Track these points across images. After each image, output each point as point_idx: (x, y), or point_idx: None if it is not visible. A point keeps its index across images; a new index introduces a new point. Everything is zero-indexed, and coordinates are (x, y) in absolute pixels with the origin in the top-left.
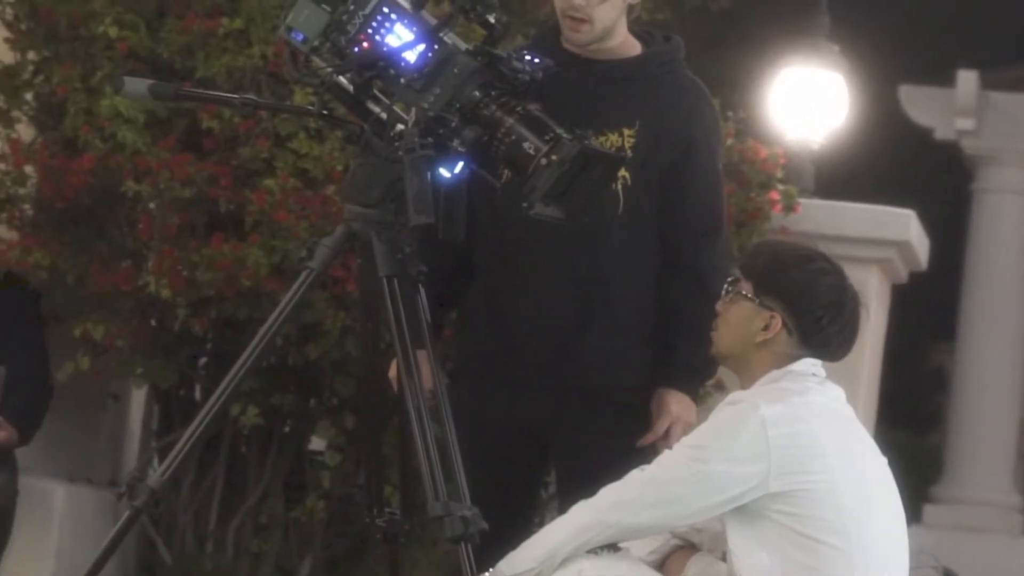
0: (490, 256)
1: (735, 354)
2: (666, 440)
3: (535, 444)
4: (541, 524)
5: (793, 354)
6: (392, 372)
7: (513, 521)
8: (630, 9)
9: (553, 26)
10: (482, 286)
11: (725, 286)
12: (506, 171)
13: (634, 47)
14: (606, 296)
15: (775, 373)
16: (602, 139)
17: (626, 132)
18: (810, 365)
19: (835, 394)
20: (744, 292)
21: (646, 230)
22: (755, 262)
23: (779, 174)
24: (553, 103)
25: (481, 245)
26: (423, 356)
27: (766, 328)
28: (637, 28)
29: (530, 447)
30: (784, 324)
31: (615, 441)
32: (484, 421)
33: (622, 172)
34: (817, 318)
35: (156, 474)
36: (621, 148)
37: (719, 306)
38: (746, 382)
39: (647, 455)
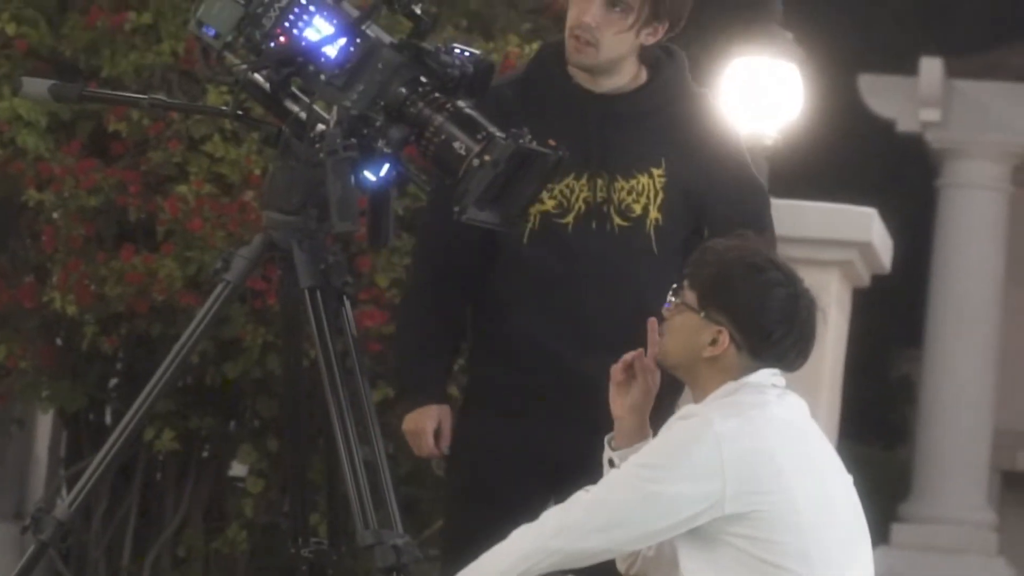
0: (522, 292)
1: (683, 366)
2: None
3: (546, 477)
4: None
5: (747, 367)
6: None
7: None
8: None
9: (556, 51)
10: (511, 321)
11: (669, 293)
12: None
13: (641, 73)
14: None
15: (731, 385)
16: (633, 182)
17: (655, 172)
18: (769, 375)
19: (796, 407)
20: (689, 303)
21: (677, 264)
22: (700, 272)
23: None
24: (573, 145)
25: (513, 286)
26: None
27: (714, 343)
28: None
29: (540, 480)
30: (733, 339)
31: None
32: (500, 454)
33: (655, 214)
34: (768, 334)
35: (64, 505)
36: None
37: (664, 312)
38: (699, 396)
39: None
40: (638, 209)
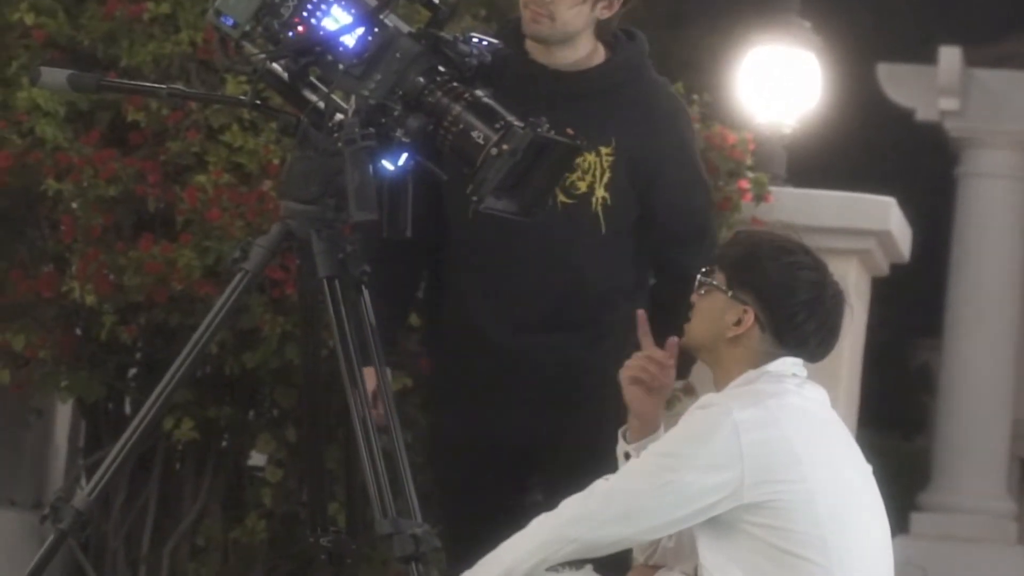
0: (467, 276)
1: (706, 347)
2: None
3: (521, 460)
4: None
5: (769, 352)
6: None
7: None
8: (599, 21)
9: (515, 27)
10: (458, 306)
11: (699, 276)
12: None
13: (598, 52)
14: (591, 313)
15: (751, 374)
16: (579, 159)
17: (603, 151)
18: (790, 365)
19: (816, 396)
20: (717, 283)
21: (626, 244)
22: (730, 252)
23: (749, 161)
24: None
25: (456, 263)
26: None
27: (738, 323)
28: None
29: (517, 463)
30: (757, 319)
31: (602, 452)
32: (472, 442)
33: (601, 193)
34: (792, 315)
35: (83, 494)
36: (590, 157)
37: (693, 297)
38: (720, 381)
39: None
40: (583, 187)
